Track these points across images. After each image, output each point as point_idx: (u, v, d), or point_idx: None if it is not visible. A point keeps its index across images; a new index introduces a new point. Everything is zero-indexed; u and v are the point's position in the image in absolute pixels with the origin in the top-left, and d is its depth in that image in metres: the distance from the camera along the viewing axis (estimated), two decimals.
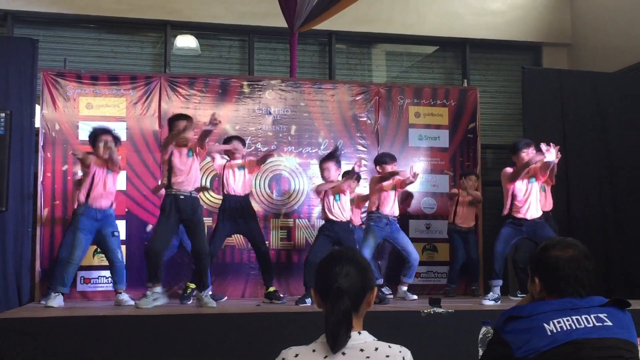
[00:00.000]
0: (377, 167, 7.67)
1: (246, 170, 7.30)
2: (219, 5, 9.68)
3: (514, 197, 7.01)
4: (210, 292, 6.86)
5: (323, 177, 7.20)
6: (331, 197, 7.08)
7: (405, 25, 10.18)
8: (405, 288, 7.65)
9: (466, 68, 10.47)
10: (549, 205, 7.75)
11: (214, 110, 8.21)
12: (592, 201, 8.81)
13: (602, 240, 8.58)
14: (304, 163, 8.54)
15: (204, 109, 8.31)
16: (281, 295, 7.20)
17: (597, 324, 2.38)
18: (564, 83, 9.04)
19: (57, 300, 6.49)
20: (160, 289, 6.35)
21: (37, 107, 7.82)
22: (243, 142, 7.62)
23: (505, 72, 10.74)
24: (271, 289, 7.19)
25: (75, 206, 7.05)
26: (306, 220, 8.50)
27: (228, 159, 7.41)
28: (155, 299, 6.22)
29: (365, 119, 8.80)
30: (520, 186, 7.00)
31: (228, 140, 7.56)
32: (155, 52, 9.86)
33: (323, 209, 7.20)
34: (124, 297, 6.81)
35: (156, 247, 6.34)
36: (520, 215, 6.99)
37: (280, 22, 8.88)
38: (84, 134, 7.96)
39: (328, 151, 7.76)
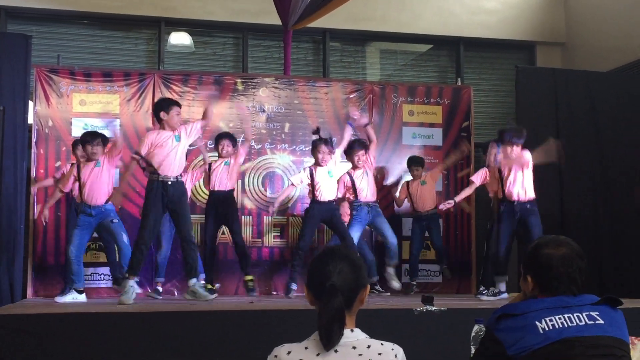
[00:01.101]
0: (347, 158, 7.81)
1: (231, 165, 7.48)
2: (213, 3, 9.67)
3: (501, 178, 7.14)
4: (203, 283, 6.87)
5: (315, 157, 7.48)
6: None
7: (400, 23, 10.19)
8: (390, 270, 7.72)
9: (460, 67, 10.48)
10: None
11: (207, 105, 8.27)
12: (585, 200, 8.82)
13: (594, 238, 8.59)
14: (297, 160, 8.54)
15: (198, 106, 8.31)
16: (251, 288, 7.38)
17: (589, 322, 2.39)
18: (558, 82, 9.05)
19: (68, 297, 6.64)
20: (135, 280, 6.36)
21: (30, 104, 7.80)
22: (234, 140, 7.67)
23: (499, 70, 10.76)
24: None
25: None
26: (300, 218, 8.49)
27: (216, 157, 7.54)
28: (133, 292, 6.24)
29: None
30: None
31: (218, 137, 7.62)
32: (149, 49, 9.85)
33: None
34: (132, 283, 6.73)
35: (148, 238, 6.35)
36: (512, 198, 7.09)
37: (275, 20, 8.87)
38: (77, 131, 7.95)
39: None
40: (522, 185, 7.07)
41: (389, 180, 8.76)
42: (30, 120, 7.77)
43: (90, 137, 6.93)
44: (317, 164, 7.46)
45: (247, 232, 8.27)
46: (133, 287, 6.25)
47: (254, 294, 7.31)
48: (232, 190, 7.64)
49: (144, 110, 8.16)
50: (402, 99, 8.96)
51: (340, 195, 7.78)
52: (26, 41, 7.64)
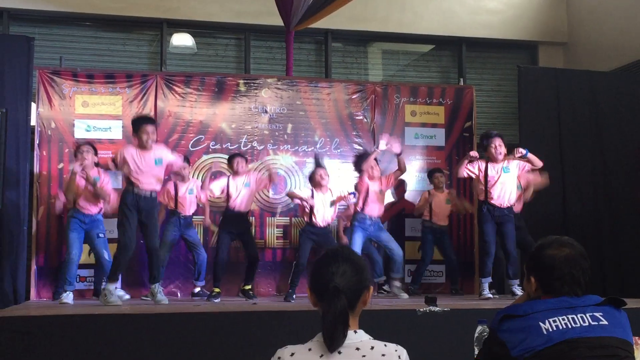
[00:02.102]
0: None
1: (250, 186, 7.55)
2: (215, 4, 9.68)
3: (486, 182, 7.17)
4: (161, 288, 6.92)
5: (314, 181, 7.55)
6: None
7: (402, 24, 10.19)
8: (397, 284, 7.66)
9: (462, 67, 10.48)
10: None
11: (210, 108, 8.28)
12: (587, 200, 8.81)
13: (597, 239, 8.58)
14: (300, 162, 8.54)
15: (200, 108, 8.33)
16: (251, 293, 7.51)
17: (592, 323, 2.38)
18: (560, 82, 9.04)
19: (69, 298, 6.78)
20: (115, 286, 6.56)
21: (33, 105, 7.80)
22: (245, 159, 7.72)
23: (502, 70, 10.76)
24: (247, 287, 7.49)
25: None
26: (302, 218, 8.48)
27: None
28: (112, 297, 6.34)
29: (361, 117, 8.80)
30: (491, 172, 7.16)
31: (231, 158, 7.65)
32: (152, 50, 9.86)
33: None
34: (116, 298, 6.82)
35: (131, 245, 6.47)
36: (493, 202, 7.15)
37: (277, 21, 8.88)
38: (79, 132, 7.97)
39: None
40: (506, 192, 7.15)
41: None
42: (33, 122, 7.77)
43: (77, 149, 7.22)
44: (317, 188, 7.52)
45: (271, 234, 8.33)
46: (117, 291, 6.55)
47: (255, 299, 7.37)
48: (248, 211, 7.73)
49: (147, 112, 8.15)
50: (405, 100, 8.96)
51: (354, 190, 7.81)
52: (29, 43, 7.63)
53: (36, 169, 7.82)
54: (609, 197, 8.87)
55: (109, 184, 7.32)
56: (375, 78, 10.41)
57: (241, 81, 8.62)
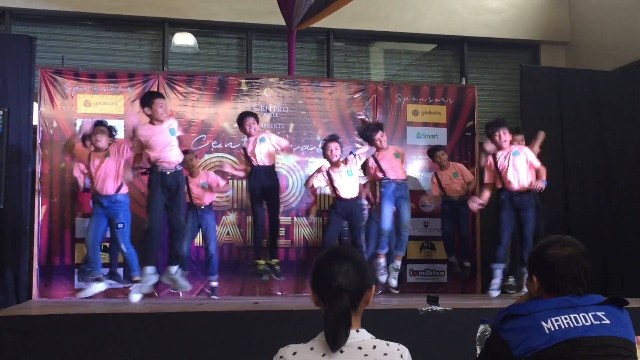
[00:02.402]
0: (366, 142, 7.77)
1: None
2: (217, 3, 9.68)
3: (497, 169, 7.13)
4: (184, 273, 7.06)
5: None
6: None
7: (404, 23, 10.19)
8: (398, 263, 7.62)
9: (464, 66, 10.48)
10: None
11: (212, 108, 8.28)
12: (589, 199, 8.81)
13: (599, 238, 8.58)
14: (301, 161, 8.54)
15: (202, 107, 8.33)
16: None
17: (595, 323, 2.38)
18: (562, 81, 9.04)
19: (88, 291, 6.73)
20: (153, 268, 6.52)
21: (35, 105, 7.81)
22: (256, 117, 7.68)
23: (503, 70, 10.75)
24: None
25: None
26: (304, 218, 8.50)
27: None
28: (148, 280, 6.40)
29: (363, 117, 8.79)
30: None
31: (242, 116, 7.63)
32: (153, 50, 9.86)
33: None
34: (132, 296, 6.68)
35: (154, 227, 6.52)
36: (511, 187, 7.09)
37: (279, 20, 8.88)
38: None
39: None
40: (520, 173, 7.08)
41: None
42: (35, 122, 7.78)
43: (93, 127, 6.94)
44: (331, 164, 7.47)
45: (251, 232, 8.28)
46: (149, 276, 6.46)
47: (281, 278, 7.53)
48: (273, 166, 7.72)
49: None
50: (406, 99, 8.95)
51: (367, 179, 7.80)
52: (31, 42, 7.65)
53: (38, 169, 7.82)
54: (610, 197, 8.87)
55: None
56: (377, 77, 10.41)
57: (243, 80, 8.62)
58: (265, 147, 7.50)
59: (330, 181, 7.44)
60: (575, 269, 2.48)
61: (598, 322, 2.39)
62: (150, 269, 6.50)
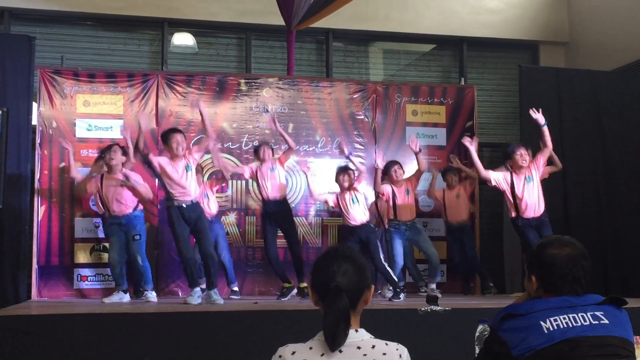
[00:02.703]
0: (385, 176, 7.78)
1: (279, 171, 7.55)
2: (216, 3, 9.67)
3: (514, 197, 7.10)
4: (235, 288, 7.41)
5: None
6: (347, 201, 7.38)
7: (403, 23, 10.18)
8: (433, 286, 7.88)
9: (463, 66, 10.47)
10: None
11: (211, 108, 8.28)
12: (588, 199, 8.81)
13: (598, 238, 8.57)
14: (301, 161, 8.53)
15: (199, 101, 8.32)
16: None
17: (593, 322, 2.38)
18: (561, 81, 9.04)
19: (114, 297, 6.89)
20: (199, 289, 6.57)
21: (34, 105, 7.81)
22: (269, 146, 7.73)
23: (503, 70, 10.75)
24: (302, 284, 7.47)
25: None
26: (304, 218, 8.50)
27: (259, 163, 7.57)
28: (198, 297, 6.42)
29: (362, 117, 8.80)
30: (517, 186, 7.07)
31: (257, 148, 7.66)
32: (153, 50, 9.86)
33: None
34: (150, 295, 6.92)
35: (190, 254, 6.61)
36: (526, 216, 7.07)
37: (278, 20, 8.87)
38: (81, 132, 7.98)
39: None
40: (535, 201, 7.07)
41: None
42: (34, 122, 7.78)
43: (106, 148, 7.10)
44: (342, 189, 7.48)
45: (251, 232, 8.29)
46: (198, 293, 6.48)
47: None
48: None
49: (148, 111, 8.17)
50: (406, 99, 8.96)
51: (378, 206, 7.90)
52: (30, 42, 7.65)
53: (37, 169, 7.83)
54: (610, 197, 8.87)
55: (139, 178, 7.18)
56: (376, 77, 10.40)
57: (242, 81, 8.62)
58: (276, 178, 7.47)
59: (340, 207, 7.48)
60: (574, 268, 2.48)
61: (597, 322, 2.38)
62: (197, 290, 6.51)
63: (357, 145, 8.71)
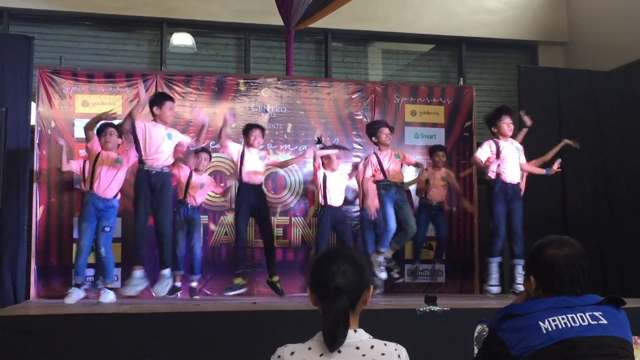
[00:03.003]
0: (372, 138, 7.67)
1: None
2: (215, 3, 9.68)
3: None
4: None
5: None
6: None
7: (402, 23, 10.19)
8: (387, 254, 7.51)
9: (462, 66, 10.48)
10: None
11: (210, 108, 8.28)
12: (587, 199, 8.81)
13: (597, 238, 8.57)
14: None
15: (200, 107, 8.32)
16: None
17: (592, 322, 2.38)
18: (560, 81, 9.04)
19: (72, 297, 6.54)
20: (142, 272, 6.46)
21: (33, 105, 7.80)
22: (262, 130, 7.67)
23: (502, 70, 10.76)
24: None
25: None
26: (302, 218, 8.50)
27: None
28: (136, 284, 6.36)
29: (361, 117, 8.80)
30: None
31: (248, 131, 7.58)
32: (152, 50, 9.86)
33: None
34: (106, 293, 6.68)
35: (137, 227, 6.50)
36: (505, 179, 7.18)
37: (277, 20, 8.88)
38: (79, 132, 7.95)
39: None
40: (516, 166, 7.19)
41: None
42: (33, 122, 7.78)
43: (103, 127, 6.99)
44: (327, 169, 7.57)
45: (250, 232, 8.27)
46: (137, 280, 6.41)
47: (284, 296, 7.43)
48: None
49: (147, 111, 8.12)
50: (405, 99, 8.96)
51: (367, 176, 7.66)
52: (29, 42, 7.64)
53: (36, 169, 7.82)
54: (609, 197, 8.87)
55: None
56: (375, 77, 10.41)
57: (241, 81, 8.62)
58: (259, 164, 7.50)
59: (324, 186, 7.51)
60: (573, 269, 2.48)
61: (595, 322, 2.39)
62: (138, 273, 6.44)
63: (356, 145, 8.70)
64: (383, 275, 7.44)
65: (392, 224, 7.31)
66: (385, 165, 7.49)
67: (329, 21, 9.19)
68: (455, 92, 9.12)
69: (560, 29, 10.71)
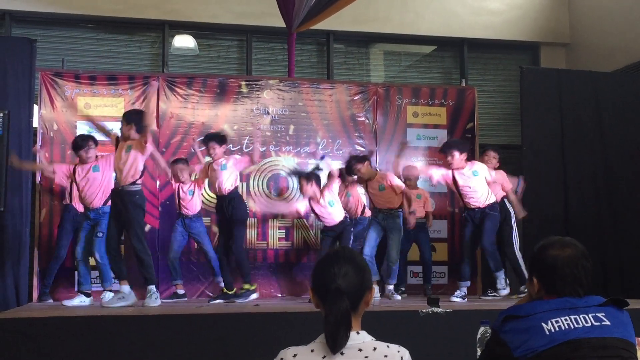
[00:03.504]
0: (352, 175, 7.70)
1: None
2: (217, 5, 9.68)
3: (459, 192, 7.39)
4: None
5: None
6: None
7: (403, 24, 10.19)
8: (390, 287, 7.55)
9: (464, 68, 10.47)
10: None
11: (212, 110, 8.29)
12: (589, 200, 8.80)
13: (599, 240, 8.56)
14: (302, 163, 8.53)
15: (202, 109, 8.33)
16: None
17: (595, 324, 2.38)
18: (562, 83, 9.03)
19: (73, 300, 6.75)
20: (127, 287, 6.43)
21: (35, 107, 7.81)
22: (220, 140, 7.28)
23: (504, 71, 10.75)
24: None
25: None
26: (304, 220, 8.49)
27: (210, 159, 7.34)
28: (120, 298, 6.31)
29: (363, 118, 8.80)
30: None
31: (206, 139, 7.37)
32: (154, 52, 9.86)
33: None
34: (107, 295, 6.79)
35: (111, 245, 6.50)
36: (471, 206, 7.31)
37: (279, 22, 8.88)
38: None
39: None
40: (477, 193, 7.24)
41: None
42: (35, 124, 7.78)
43: (81, 141, 7.03)
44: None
45: (252, 235, 8.28)
46: (122, 294, 6.40)
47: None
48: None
49: (149, 113, 8.13)
50: (407, 101, 8.96)
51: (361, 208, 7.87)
52: (31, 45, 7.64)
53: (38, 171, 7.82)
54: (611, 198, 8.86)
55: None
56: (377, 79, 10.41)
57: (243, 82, 8.63)
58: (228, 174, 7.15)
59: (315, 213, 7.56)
60: (575, 270, 2.48)
61: (598, 323, 2.38)
62: (126, 289, 6.39)
63: (358, 147, 8.70)
64: (397, 297, 7.49)
65: (367, 250, 7.38)
66: (370, 195, 7.66)
67: (331, 23, 9.19)
68: (457, 94, 9.12)
69: (562, 30, 10.70)
